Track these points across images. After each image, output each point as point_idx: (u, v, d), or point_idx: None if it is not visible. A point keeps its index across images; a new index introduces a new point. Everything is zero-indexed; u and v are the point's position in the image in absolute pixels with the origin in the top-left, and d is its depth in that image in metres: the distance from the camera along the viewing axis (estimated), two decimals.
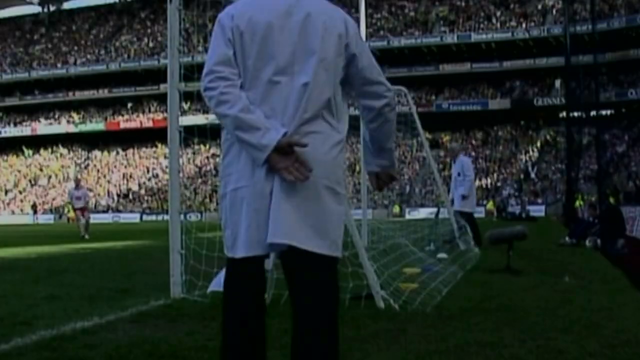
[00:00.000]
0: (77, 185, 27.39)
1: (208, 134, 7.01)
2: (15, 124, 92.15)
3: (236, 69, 3.11)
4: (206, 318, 6.03)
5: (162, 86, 78.88)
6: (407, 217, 48.11)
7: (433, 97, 74.11)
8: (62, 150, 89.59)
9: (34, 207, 74.37)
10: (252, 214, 3.07)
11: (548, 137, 69.00)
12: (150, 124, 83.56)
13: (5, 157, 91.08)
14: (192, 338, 5.24)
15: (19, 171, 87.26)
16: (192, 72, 7.35)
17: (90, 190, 75.38)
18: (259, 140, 3.00)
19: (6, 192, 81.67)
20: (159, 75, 78.13)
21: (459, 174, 15.49)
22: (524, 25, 72.09)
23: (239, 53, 3.12)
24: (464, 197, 15.21)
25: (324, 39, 3.11)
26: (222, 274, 7.29)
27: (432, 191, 57.72)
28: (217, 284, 7.32)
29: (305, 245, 3.04)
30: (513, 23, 72.96)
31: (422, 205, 52.13)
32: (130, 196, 75.54)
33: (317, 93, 3.09)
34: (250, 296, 3.16)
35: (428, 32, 76.36)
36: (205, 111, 58.66)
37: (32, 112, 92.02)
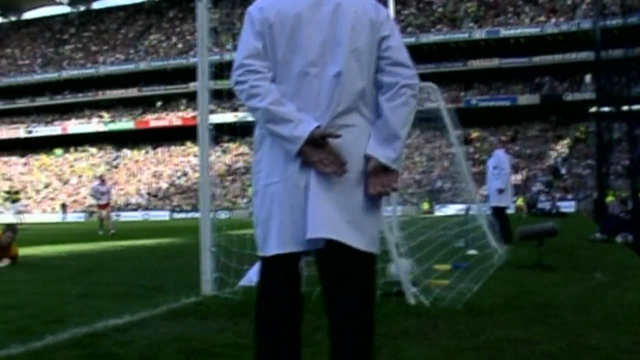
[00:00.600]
0: (102, 182, 27.64)
1: (238, 131, 7.02)
2: (45, 124, 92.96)
3: (266, 61, 3.08)
4: (237, 315, 6.04)
5: (191, 84, 79.17)
6: (437, 213, 47.92)
7: (462, 94, 73.68)
8: (92, 149, 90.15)
9: (63, 205, 74.86)
10: (286, 209, 3.03)
11: (578, 132, 68.41)
12: (179, 123, 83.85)
13: (36, 157, 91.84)
14: (223, 335, 5.26)
15: (50, 170, 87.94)
16: (221, 70, 7.38)
17: (121, 189, 76.03)
18: (290, 132, 2.97)
19: (37, 191, 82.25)
20: (187, 74, 78.59)
21: (494, 168, 15.47)
22: (553, 19, 71.52)
23: (269, 46, 3.08)
24: (500, 191, 15.18)
25: (355, 29, 3.07)
26: (253, 269, 7.34)
27: (462, 188, 57.35)
28: (248, 279, 7.35)
29: (345, 239, 2.99)
30: (542, 18, 72.38)
31: (452, 202, 51.93)
32: (160, 194, 75.81)
33: (350, 84, 3.05)
34: (284, 295, 3.10)
35: (456, 28, 75.96)
36: (235, 109, 58.82)
37: (63, 112, 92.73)
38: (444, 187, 63.75)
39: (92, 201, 27.69)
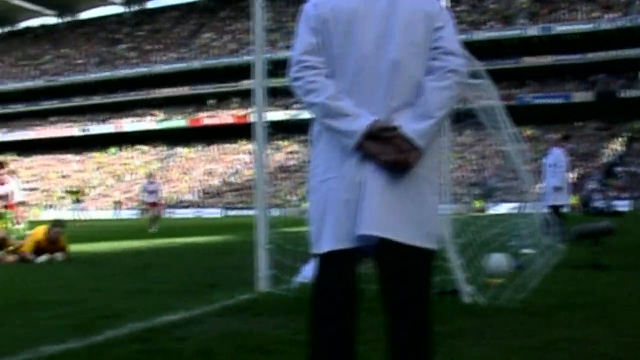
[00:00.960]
0: (151, 180, 27.89)
1: (290, 129, 7.05)
2: (100, 122, 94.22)
3: (322, 57, 3.07)
4: (292, 312, 6.06)
5: (243, 83, 79.68)
6: (489, 212, 47.54)
7: (515, 91, 72.95)
8: (145, 147, 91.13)
9: (117, 203, 75.80)
10: (341, 205, 3.00)
11: (633, 130, 67.38)
12: (231, 120, 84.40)
13: (90, 155, 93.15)
14: (279, 332, 5.28)
15: (104, 168, 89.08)
16: (275, 68, 7.42)
17: (174, 186, 76.71)
18: (348, 126, 2.96)
19: (92, 188, 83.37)
20: (240, 72, 79.02)
21: (550, 165, 15.32)
22: (607, 15, 70.48)
23: (324, 41, 3.08)
24: (557, 189, 15.04)
25: (411, 23, 3.05)
26: (308, 266, 7.37)
27: (515, 186, 56.84)
28: (303, 276, 7.38)
29: (398, 237, 2.97)
30: (597, 13, 71.40)
31: (504, 200, 51.45)
32: (212, 192, 76.28)
33: (406, 79, 3.03)
34: (340, 292, 3.06)
35: (510, 25, 75.26)
36: (286, 107, 58.96)
37: (116, 110, 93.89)
38: (497, 185, 63.26)
39: (143, 199, 27.97)
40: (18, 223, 12.96)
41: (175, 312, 6.26)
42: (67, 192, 72.27)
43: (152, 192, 26.81)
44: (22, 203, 13.32)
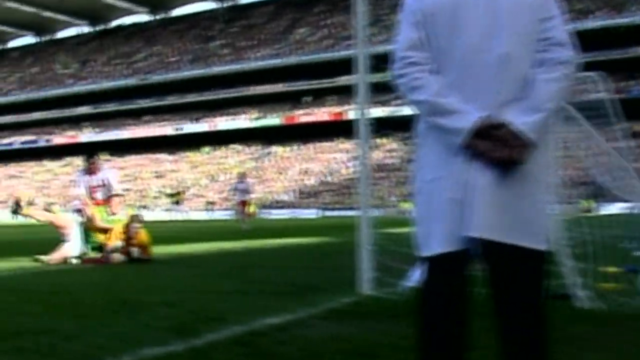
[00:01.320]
0: (242, 179, 28.32)
1: (390, 126, 7.02)
2: (194, 121, 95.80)
3: (426, 52, 3.05)
4: (398, 316, 6.02)
5: (340, 79, 79.88)
6: (600, 212, 46.55)
7: (628, 83, 71.11)
8: (239, 146, 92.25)
9: (210, 203, 76.86)
10: (449, 206, 2.98)
11: None
12: (327, 118, 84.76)
13: (184, 154, 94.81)
14: (385, 336, 5.25)
15: (198, 167, 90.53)
16: (376, 63, 7.39)
17: (269, 186, 77.44)
18: (454, 123, 2.93)
19: (186, 188, 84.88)
20: (336, 68, 79.27)
21: None
22: None
23: (428, 36, 3.05)
24: None
25: (516, 13, 3.00)
26: (415, 269, 7.33)
27: (628, 185, 55.44)
28: (410, 279, 7.34)
29: (508, 238, 2.93)
30: None
31: (616, 200, 50.28)
32: (308, 192, 76.70)
33: (514, 71, 2.98)
34: (449, 296, 3.04)
35: (621, 12, 73.41)
36: (383, 103, 58.90)
37: (211, 109, 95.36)
38: (607, 185, 61.86)
39: (234, 198, 28.66)
40: (113, 214, 13.16)
41: (277, 314, 6.29)
42: (168, 194, 73.57)
43: (242, 191, 27.32)
44: (117, 195, 13.46)
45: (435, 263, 3.05)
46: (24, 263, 12.21)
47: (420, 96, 3.02)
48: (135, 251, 12.78)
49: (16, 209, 13.29)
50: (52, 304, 7.19)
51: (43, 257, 12.37)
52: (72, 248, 12.69)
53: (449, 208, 2.98)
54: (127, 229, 12.83)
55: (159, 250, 13.90)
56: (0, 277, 10.25)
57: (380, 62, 5.85)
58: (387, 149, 75.05)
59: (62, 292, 8.20)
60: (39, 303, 7.24)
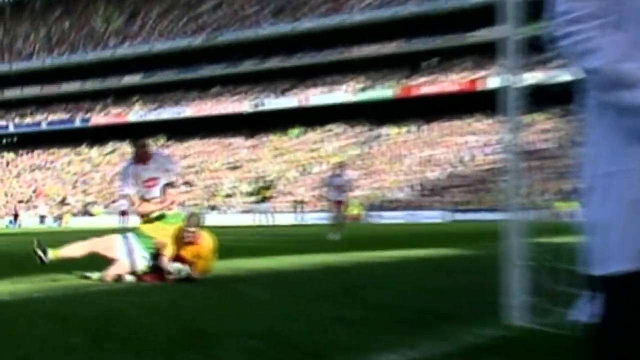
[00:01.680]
0: (339, 171, 28.11)
1: (545, 98, 6.92)
2: (278, 94, 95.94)
3: (600, 1, 2.95)
4: (563, 355, 6.00)
5: (476, 34, 79.21)
6: None
7: None
8: (338, 127, 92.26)
9: (299, 203, 76.74)
10: (632, 208, 2.94)
11: None
12: (458, 88, 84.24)
13: (266, 138, 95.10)
14: None
15: (284, 156, 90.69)
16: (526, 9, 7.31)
17: (378, 180, 77.29)
18: None
19: (269, 183, 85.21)
20: (470, 20, 78.67)
21: None
22: None
23: None
24: None
25: None
26: (589, 298, 7.21)
27: None
28: (581, 310, 7.23)
29: None
30: None
31: None
32: (432, 187, 76.26)
33: None
34: (637, 332, 2.98)
35: None
36: (538, 66, 57.63)
37: (300, 78, 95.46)
38: None
39: (327, 196, 28.22)
40: (169, 209, 12.77)
41: (395, 350, 6.30)
42: (256, 189, 73.02)
43: (338, 188, 27.06)
44: (171, 184, 13.04)
45: (619, 284, 3.00)
46: (66, 281, 12.36)
47: (594, 62, 2.91)
48: (178, 268, 12.02)
49: (41, 258, 12.63)
50: (101, 334, 7.33)
51: (94, 275, 12.40)
52: (127, 264, 12.39)
53: (629, 211, 2.94)
54: (181, 234, 12.14)
55: (235, 264, 14.03)
56: (36, 299, 10.40)
57: (535, 9, 5.78)
58: (540, 129, 74.04)
59: (114, 318, 8.37)
60: (86, 333, 7.37)
